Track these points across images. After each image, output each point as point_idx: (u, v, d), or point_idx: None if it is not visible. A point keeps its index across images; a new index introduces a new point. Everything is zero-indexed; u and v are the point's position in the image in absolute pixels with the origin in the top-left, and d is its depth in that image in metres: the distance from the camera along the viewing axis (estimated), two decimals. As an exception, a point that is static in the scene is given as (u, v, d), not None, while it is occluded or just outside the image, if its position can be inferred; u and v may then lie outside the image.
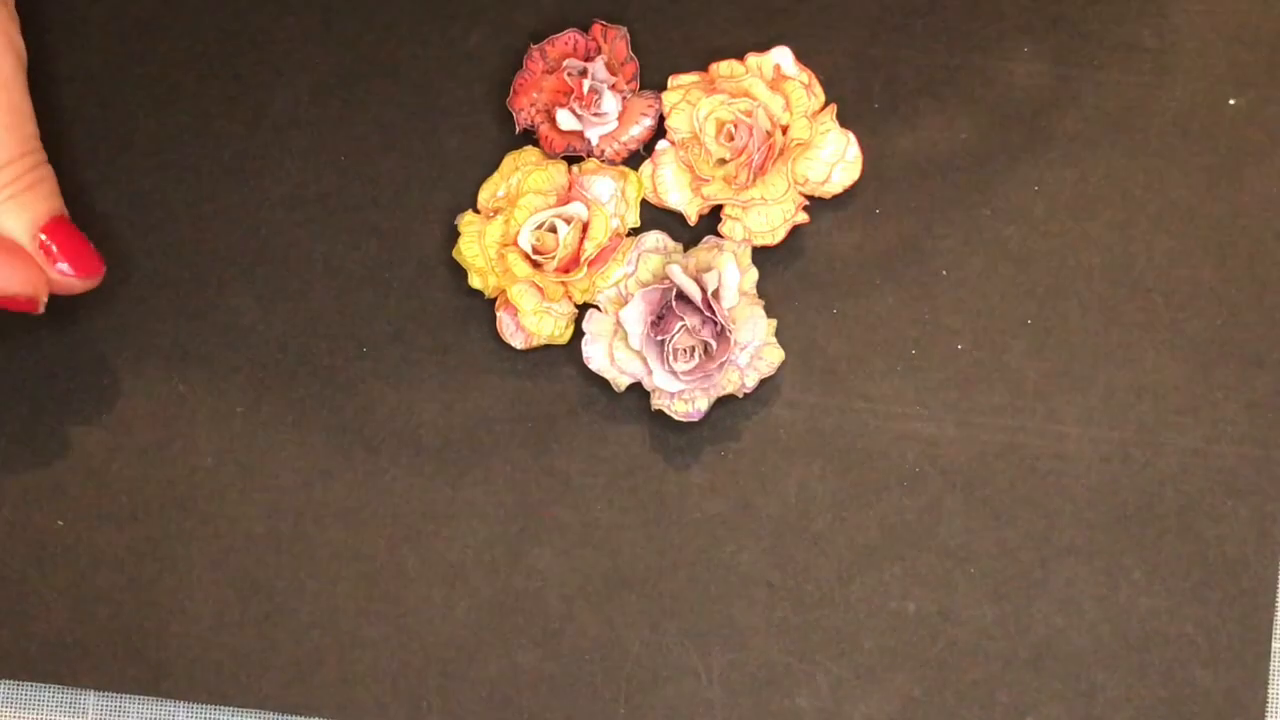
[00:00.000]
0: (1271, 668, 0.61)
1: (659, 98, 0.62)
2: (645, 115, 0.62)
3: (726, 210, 0.61)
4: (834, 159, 0.61)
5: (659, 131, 0.62)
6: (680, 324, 0.60)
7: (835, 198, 0.62)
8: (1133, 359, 0.61)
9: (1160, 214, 0.62)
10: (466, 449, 0.61)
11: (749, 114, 0.61)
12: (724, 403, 0.61)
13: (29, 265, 0.58)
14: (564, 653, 0.61)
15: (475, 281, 0.61)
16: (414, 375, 0.62)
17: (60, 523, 0.62)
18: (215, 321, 0.62)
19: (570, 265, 0.61)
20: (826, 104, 0.62)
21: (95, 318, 0.62)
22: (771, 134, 0.61)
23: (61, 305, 0.62)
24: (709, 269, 0.60)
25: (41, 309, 0.58)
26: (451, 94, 0.63)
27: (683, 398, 0.60)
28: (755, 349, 0.61)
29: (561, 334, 0.61)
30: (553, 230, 0.61)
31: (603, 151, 0.61)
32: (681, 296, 0.60)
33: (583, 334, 0.61)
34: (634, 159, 0.62)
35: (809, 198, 0.62)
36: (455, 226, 0.62)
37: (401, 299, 0.62)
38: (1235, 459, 0.61)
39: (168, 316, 0.62)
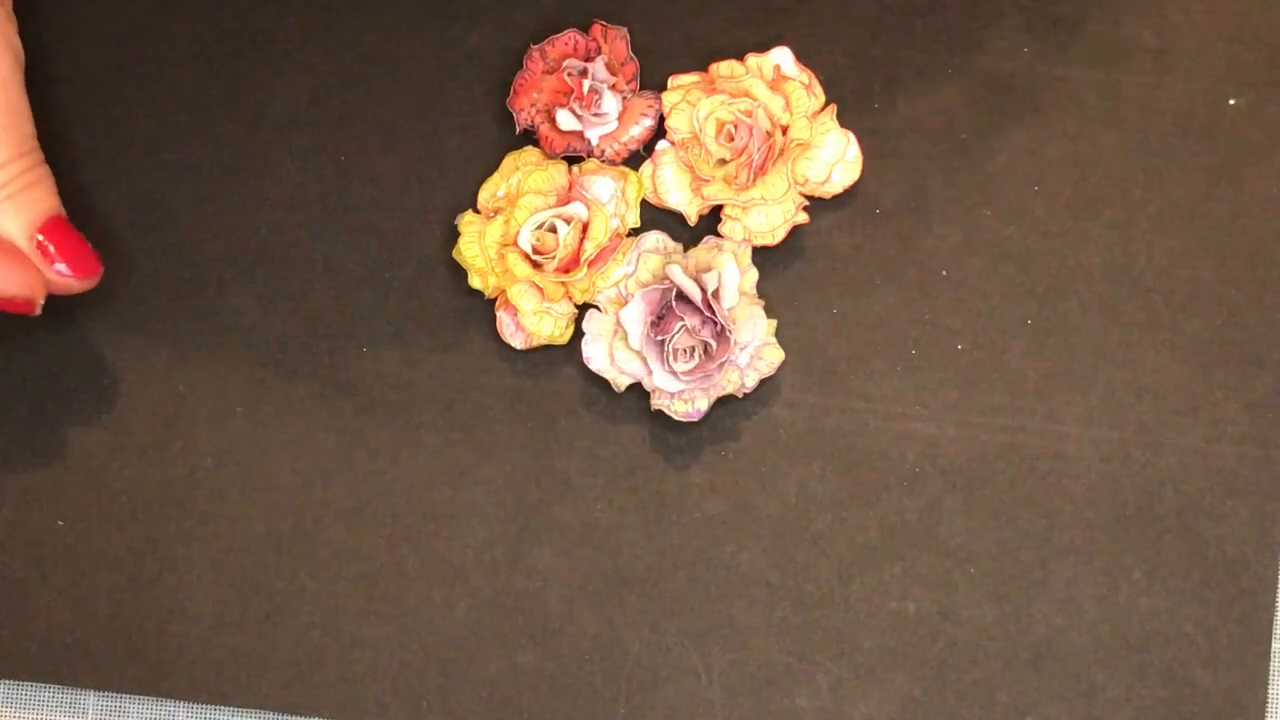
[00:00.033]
0: (1271, 668, 0.61)
1: (659, 98, 0.62)
2: (645, 115, 0.62)
3: (726, 210, 0.61)
4: (834, 159, 0.61)
5: (659, 132, 0.62)
6: (680, 324, 0.60)
7: (835, 198, 0.62)
8: (1133, 359, 0.61)
9: (1160, 214, 0.62)
10: (467, 449, 0.61)
11: (749, 114, 0.61)
12: (724, 403, 0.61)
13: (26, 267, 0.58)
14: (564, 653, 0.61)
15: (475, 281, 0.61)
16: (414, 375, 0.62)
17: (60, 523, 0.62)
18: (215, 321, 0.62)
19: (570, 265, 0.61)
20: (826, 104, 0.62)
21: (95, 318, 0.62)
22: (771, 134, 0.61)
23: (61, 305, 0.61)
24: (709, 269, 0.60)
25: (38, 310, 0.58)
26: (451, 94, 0.63)
27: (683, 398, 0.60)
28: (755, 349, 0.61)
29: (561, 334, 0.61)
30: (553, 230, 0.61)
31: (603, 152, 0.61)
32: (681, 296, 0.60)
33: (583, 334, 0.61)
34: (634, 159, 0.62)
35: (809, 198, 0.62)
36: (455, 226, 0.62)
37: (401, 299, 0.62)
38: (1235, 459, 0.61)
39: (168, 316, 0.62)
